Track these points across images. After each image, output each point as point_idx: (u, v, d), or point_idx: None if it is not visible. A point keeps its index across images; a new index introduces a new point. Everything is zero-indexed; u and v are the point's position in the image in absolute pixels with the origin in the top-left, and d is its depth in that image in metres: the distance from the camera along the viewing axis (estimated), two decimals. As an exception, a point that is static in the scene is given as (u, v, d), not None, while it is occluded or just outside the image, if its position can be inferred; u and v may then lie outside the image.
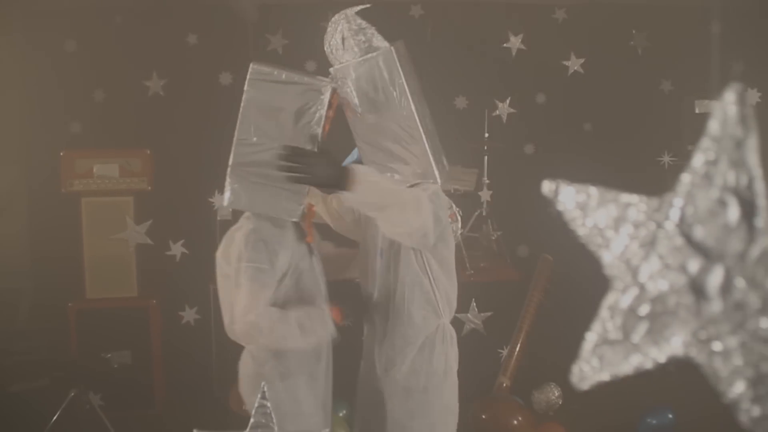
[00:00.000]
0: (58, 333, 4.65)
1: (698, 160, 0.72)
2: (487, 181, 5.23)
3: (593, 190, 0.74)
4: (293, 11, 5.55)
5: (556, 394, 4.62)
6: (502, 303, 4.74)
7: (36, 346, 4.56)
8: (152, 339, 4.71)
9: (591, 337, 0.76)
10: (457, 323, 4.73)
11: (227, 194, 2.51)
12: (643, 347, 0.75)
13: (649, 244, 0.74)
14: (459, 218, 4.85)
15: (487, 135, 5.29)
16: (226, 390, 4.56)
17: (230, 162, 2.50)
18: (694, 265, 0.73)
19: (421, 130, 2.63)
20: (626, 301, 0.75)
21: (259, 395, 2.05)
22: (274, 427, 1.91)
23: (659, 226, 0.74)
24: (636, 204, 0.74)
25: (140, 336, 4.69)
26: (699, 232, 0.72)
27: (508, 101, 5.46)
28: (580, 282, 5.31)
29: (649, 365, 0.76)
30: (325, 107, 2.52)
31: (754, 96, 5.09)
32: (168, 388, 4.84)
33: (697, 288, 0.73)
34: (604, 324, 0.76)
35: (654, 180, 5.13)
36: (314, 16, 5.16)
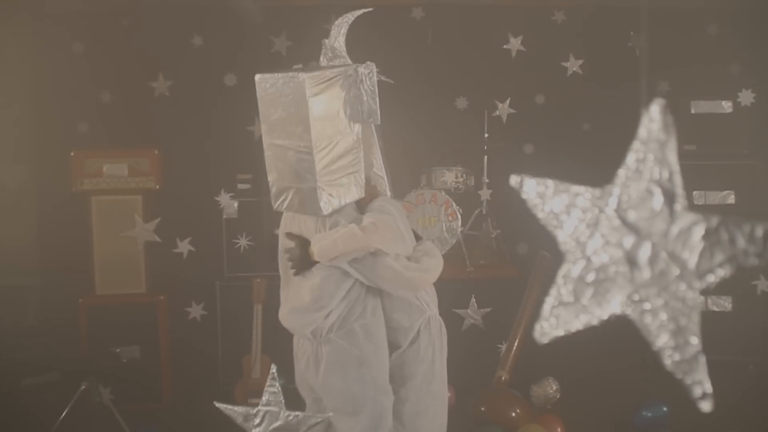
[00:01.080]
0: (68, 328, 4.80)
1: (630, 158, 0.93)
2: (487, 180, 5.39)
3: (550, 182, 0.95)
4: (297, 14, 5.69)
5: (554, 387, 4.77)
6: (501, 299, 4.91)
7: (47, 341, 4.68)
8: (160, 334, 4.87)
9: (549, 301, 0.97)
10: (457, 319, 4.95)
11: (326, 203, 2.76)
12: (590, 308, 0.96)
13: (594, 225, 0.95)
14: (459, 216, 5.04)
15: (486, 135, 5.43)
16: (231, 383, 4.77)
17: (317, 175, 2.71)
18: (628, 241, 0.94)
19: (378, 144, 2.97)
20: (576, 270, 0.96)
21: (270, 377, 2.26)
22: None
23: (601, 211, 0.95)
24: (583, 193, 0.95)
25: (148, 331, 4.84)
26: (632, 216, 0.93)
27: (507, 102, 5.63)
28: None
29: (595, 322, 0.96)
30: (366, 86, 2.78)
31: (748, 97, 5.25)
32: (175, 382, 5.01)
33: (631, 260, 0.94)
34: (559, 290, 0.97)
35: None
36: (318, 19, 5.35)
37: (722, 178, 5.17)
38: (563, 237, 0.96)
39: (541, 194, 0.95)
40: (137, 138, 5.33)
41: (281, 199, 2.84)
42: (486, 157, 5.41)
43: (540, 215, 0.95)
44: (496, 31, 5.68)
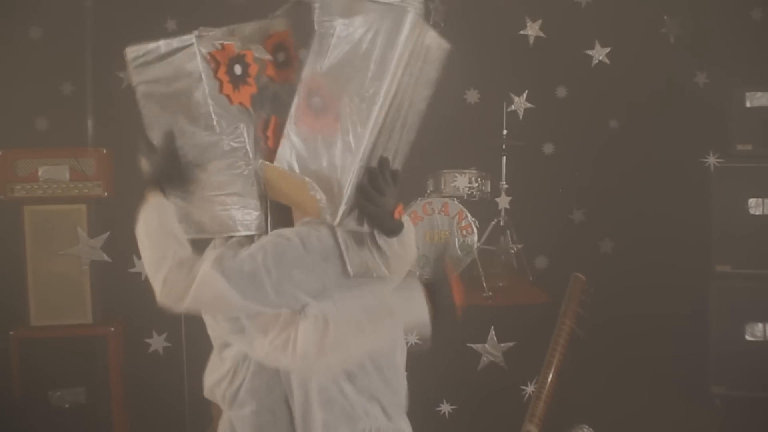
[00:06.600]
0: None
1: None
2: (506, 186, 4.12)
3: None
4: (286, -5, 4.53)
5: (590, 438, 3.53)
6: (526, 331, 3.64)
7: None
8: (111, 373, 3.69)
9: None
10: (473, 355, 3.65)
11: None
12: None
13: None
14: (475, 230, 3.73)
15: (505, 132, 4.20)
16: (200, 431, 3.59)
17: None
18: None
19: None
20: None
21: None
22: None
23: None
24: None
25: (96, 370, 3.67)
26: None
27: (525, 95, 4.62)
28: (617, 305, 4.23)
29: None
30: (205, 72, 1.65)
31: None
32: (131, 430, 3.85)
33: None
34: None
35: (698, 184, 4.03)
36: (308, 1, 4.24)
37: (784, 183, 3.90)
38: None
39: None
40: (104, 135, 4.23)
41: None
42: (505, 158, 4.12)
43: None
44: (512, 15, 4.65)
